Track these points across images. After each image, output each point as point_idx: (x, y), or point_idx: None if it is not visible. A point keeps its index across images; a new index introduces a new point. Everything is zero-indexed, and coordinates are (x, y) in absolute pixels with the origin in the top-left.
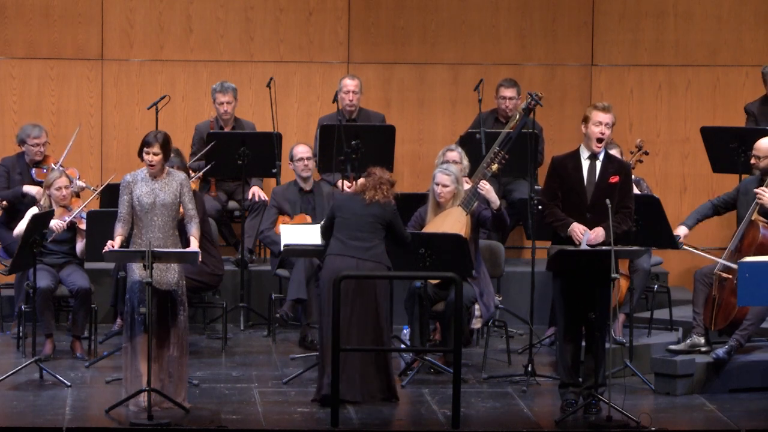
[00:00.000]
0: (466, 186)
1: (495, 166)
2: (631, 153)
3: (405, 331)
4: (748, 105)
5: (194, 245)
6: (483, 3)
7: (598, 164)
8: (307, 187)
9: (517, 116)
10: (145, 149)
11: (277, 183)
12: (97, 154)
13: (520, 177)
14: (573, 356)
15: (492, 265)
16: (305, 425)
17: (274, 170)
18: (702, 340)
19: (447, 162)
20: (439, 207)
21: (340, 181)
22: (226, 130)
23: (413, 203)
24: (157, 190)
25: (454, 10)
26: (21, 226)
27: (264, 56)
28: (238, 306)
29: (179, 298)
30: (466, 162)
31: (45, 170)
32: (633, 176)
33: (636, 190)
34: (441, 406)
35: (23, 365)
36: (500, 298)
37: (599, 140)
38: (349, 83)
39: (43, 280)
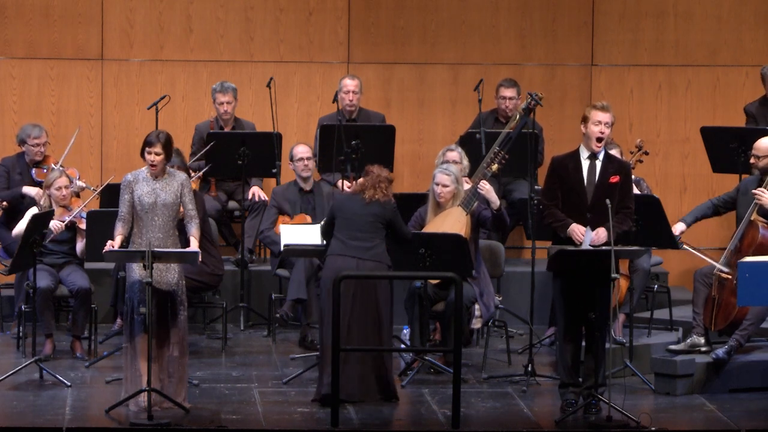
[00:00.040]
0: (466, 186)
1: (495, 166)
2: (631, 153)
3: (405, 331)
4: (747, 106)
5: (194, 245)
6: (483, 3)
7: (598, 164)
8: (307, 187)
9: (518, 116)
10: (147, 149)
11: (277, 183)
12: (97, 154)
13: (520, 177)
14: (573, 356)
15: (492, 265)
16: (305, 425)
17: (274, 170)
18: (702, 340)
19: (447, 162)
20: (439, 207)
21: (340, 181)
22: (226, 130)
23: (413, 203)
24: (158, 189)
25: (454, 10)
26: (20, 226)
27: (264, 56)
28: (238, 306)
29: (179, 298)
30: (466, 162)
31: (45, 170)
32: (633, 176)
33: (636, 190)
34: (441, 406)
35: (23, 365)
36: (500, 298)
37: (599, 139)
38: (349, 83)
39: (43, 280)
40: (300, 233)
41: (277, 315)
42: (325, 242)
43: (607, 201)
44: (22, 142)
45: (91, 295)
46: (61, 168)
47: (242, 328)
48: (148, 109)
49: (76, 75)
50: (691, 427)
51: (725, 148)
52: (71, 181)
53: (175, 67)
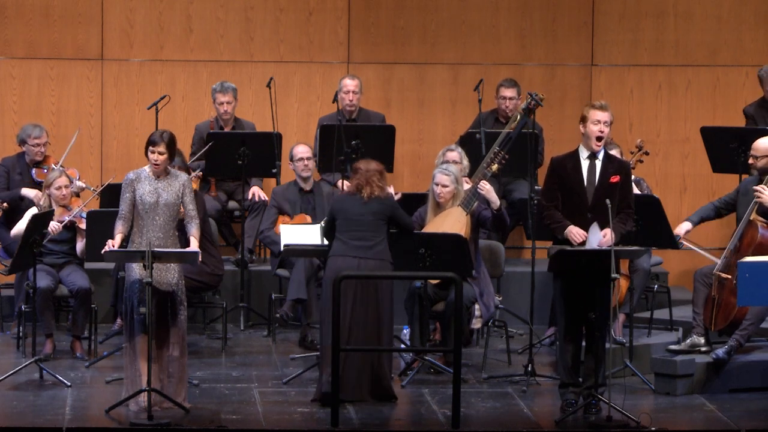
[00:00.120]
0: (466, 186)
1: (495, 166)
2: (632, 153)
3: (405, 331)
4: (746, 108)
5: (194, 245)
6: (483, 3)
7: (598, 164)
8: (307, 187)
9: (518, 116)
10: (151, 148)
11: (277, 183)
12: (97, 154)
13: (520, 177)
14: (573, 356)
15: (492, 265)
16: (305, 425)
17: (274, 170)
18: (702, 340)
19: (447, 162)
20: (439, 207)
21: (340, 181)
22: (226, 130)
23: (413, 203)
24: (160, 189)
25: (454, 10)
26: (19, 227)
27: (264, 56)
28: (238, 306)
29: (179, 298)
30: (466, 162)
31: (45, 170)
32: (633, 176)
33: (636, 190)
34: (441, 406)
35: (23, 365)
36: (500, 298)
37: (598, 139)
38: (349, 83)
39: (43, 280)
40: (300, 233)
41: (277, 315)
42: (327, 243)
43: (607, 201)
44: (22, 142)
45: (91, 295)
46: (61, 168)
47: (242, 328)
48: (148, 109)
49: (76, 75)
50: (691, 427)
51: (725, 148)
52: (71, 181)
53: (175, 67)
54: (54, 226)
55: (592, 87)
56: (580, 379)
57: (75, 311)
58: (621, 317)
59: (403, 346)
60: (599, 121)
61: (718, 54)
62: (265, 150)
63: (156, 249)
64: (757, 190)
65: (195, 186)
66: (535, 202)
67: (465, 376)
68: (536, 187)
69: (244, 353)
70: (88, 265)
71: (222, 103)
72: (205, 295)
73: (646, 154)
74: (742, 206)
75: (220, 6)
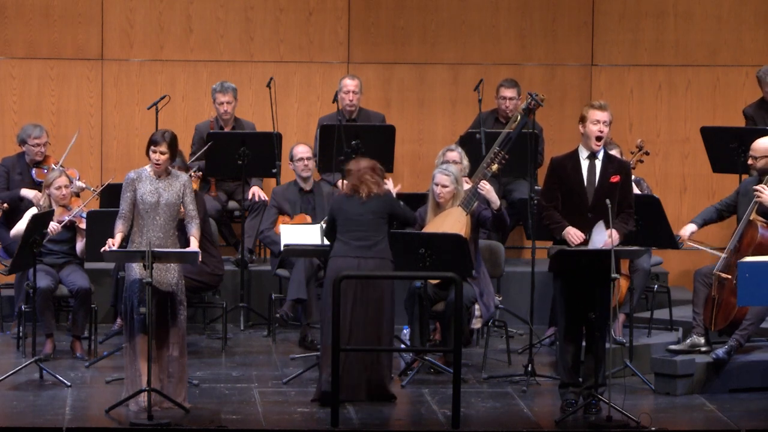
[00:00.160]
0: (466, 186)
1: (495, 167)
2: (632, 153)
3: (405, 331)
4: (745, 109)
5: (194, 245)
6: (483, 3)
7: (598, 164)
8: (307, 187)
9: (518, 117)
10: (152, 147)
11: (277, 183)
12: (97, 154)
13: (520, 177)
14: (573, 356)
15: (492, 265)
16: (305, 425)
17: (274, 170)
18: (702, 340)
19: (447, 162)
20: (439, 207)
21: (340, 181)
22: (226, 130)
23: (413, 203)
24: (161, 189)
25: (454, 10)
26: (19, 227)
27: (264, 56)
28: (238, 306)
29: (178, 298)
30: (466, 162)
31: (45, 170)
32: (633, 176)
33: (636, 190)
34: (441, 406)
35: (23, 365)
36: (500, 298)
37: (598, 138)
38: (349, 83)
39: (43, 280)
40: (300, 233)
41: (277, 315)
42: (328, 244)
43: (607, 201)
44: (22, 142)
45: (91, 295)
46: (61, 168)
47: (242, 328)
48: (148, 109)
49: (76, 75)
50: (691, 427)
51: (725, 148)
52: (71, 182)
53: (175, 67)
54: (53, 226)
55: (592, 87)
56: (580, 379)
57: (75, 311)
58: (621, 317)
59: (403, 346)
60: (598, 121)
61: (718, 54)
62: (265, 150)
63: (156, 249)
64: (757, 190)
65: (195, 186)
66: (535, 202)
67: (465, 376)
68: (536, 187)
69: (244, 353)
70: (88, 265)
71: (222, 103)
72: (205, 295)
73: (647, 154)
74: (742, 207)
75: (220, 6)
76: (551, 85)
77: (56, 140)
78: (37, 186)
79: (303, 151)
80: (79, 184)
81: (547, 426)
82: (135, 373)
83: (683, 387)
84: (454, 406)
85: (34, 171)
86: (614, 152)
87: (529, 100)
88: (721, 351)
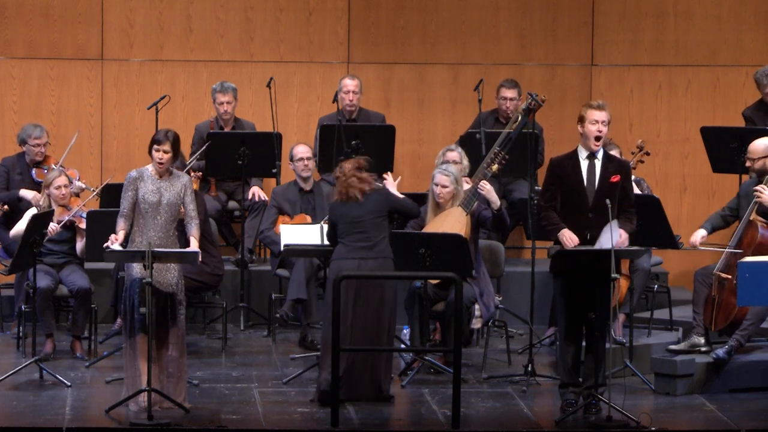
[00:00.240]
0: (466, 186)
1: (495, 167)
2: (632, 153)
3: (405, 331)
4: (744, 110)
5: (194, 245)
6: (483, 3)
7: (598, 164)
8: (307, 187)
9: (518, 117)
10: (155, 147)
11: (277, 183)
12: (97, 154)
13: (520, 177)
14: (573, 356)
15: (492, 265)
16: (305, 425)
17: (274, 170)
18: (702, 340)
19: (447, 162)
20: (439, 207)
21: None
22: (226, 130)
23: None
24: (162, 189)
25: (454, 10)
26: (18, 227)
27: (264, 56)
28: (238, 306)
29: (178, 298)
30: (466, 162)
31: (45, 171)
32: (633, 176)
33: (636, 190)
34: (441, 406)
35: (23, 365)
36: (500, 298)
37: (597, 138)
38: (349, 83)
39: (43, 280)
40: (300, 233)
41: (277, 315)
42: (328, 244)
43: (607, 201)
44: (22, 142)
45: (91, 295)
46: (61, 168)
47: (242, 328)
48: (148, 109)
49: (76, 75)
50: (691, 427)
51: (725, 148)
52: (71, 182)
53: (175, 67)
54: (52, 226)
55: (592, 87)
56: (580, 379)
57: (75, 311)
58: (621, 317)
59: (403, 346)
60: (597, 121)
61: (718, 54)
62: (265, 150)
63: (156, 249)
64: (757, 190)
65: (195, 186)
66: (535, 202)
67: (465, 376)
68: (536, 187)
69: (244, 353)
70: (88, 265)
71: (222, 103)
72: (205, 295)
73: (647, 154)
74: (743, 208)
75: (220, 6)
76: (551, 85)
77: (56, 140)
78: (37, 186)
79: (303, 151)
80: (79, 184)
81: (547, 426)
82: (135, 373)
83: (683, 387)
84: (454, 406)
85: (34, 171)
86: (614, 153)
87: (530, 101)
88: (721, 351)
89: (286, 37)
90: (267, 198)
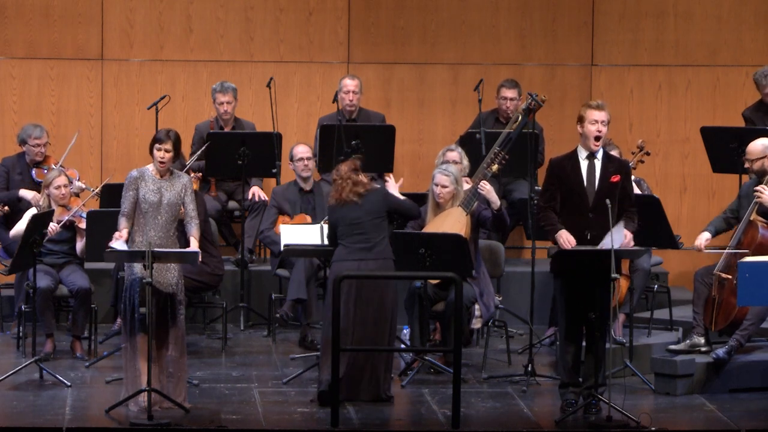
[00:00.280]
0: (466, 186)
1: (495, 167)
2: (633, 153)
3: (405, 331)
4: (744, 111)
5: (194, 245)
6: (483, 3)
7: (597, 164)
8: (307, 187)
9: (518, 117)
10: (157, 145)
11: (277, 183)
12: (97, 154)
13: (520, 177)
14: (574, 356)
15: (492, 265)
16: (305, 425)
17: (274, 170)
18: (702, 340)
19: (447, 162)
20: (439, 207)
21: None
22: (226, 130)
23: None
24: (163, 189)
25: (454, 10)
26: (18, 227)
27: (264, 56)
28: (238, 306)
29: (178, 298)
30: (466, 162)
31: (45, 171)
32: (633, 176)
33: (636, 190)
34: (441, 406)
35: (23, 365)
36: (500, 298)
37: (597, 138)
38: (349, 83)
39: (43, 280)
40: (300, 233)
41: (277, 315)
42: (328, 244)
43: (607, 201)
44: (23, 142)
45: (91, 295)
46: (61, 168)
47: (242, 328)
48: (148, 109)
49: (76, 75)
50: (691, 427)
51: (725, 148)
52: (70, 182)
53: (175, 67)
54: (52, 227)
55: (592, 87)
56: (580, 379)
57: (75, 311)
58: (621, 317)
59: (403, 346)
60: (596, 121)
61: (718, 54)
62: (265, 150)
63: (156, 249)
64: (757, 190)
65: (195, 186)
66: (535, 202)
67: (465, 376)
68: (536, 187)
69: (244, 353)
70: (88, 265)
71: (222, 103)
72: (205, 295)
73: (647, 154)
74: (743, 208)
75: (220, 6)
76: (551, 85)
77: (56, 140)
78: (37, 186)
79: (303, 151)
80: (79, 184)
81: (547, 426)
82: (135, 372)
83: (683, 387)
84: (454, 406)
85: (34, 171)
86: (614, 153)
87: (530, 101)
88: (721, 351)
89: (286, 37)
90: (267, 198)
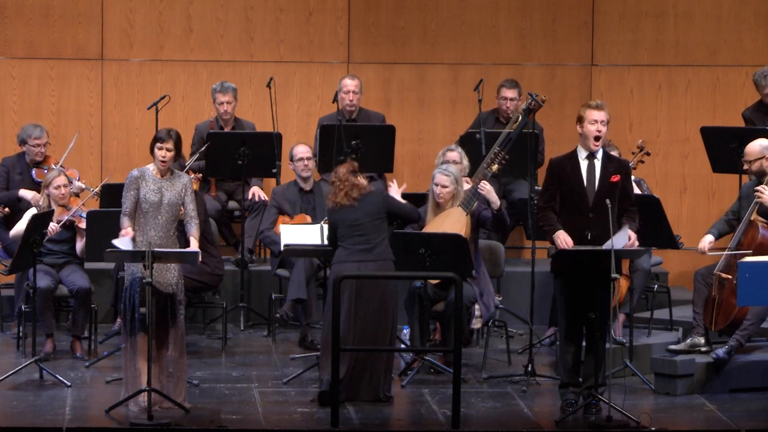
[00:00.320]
0: (466, 186)
1: (495, 167)
2: (633, 153)
3: (405, 331)
4: (743, 112)
5: (194, 245)
6: (483, 3)
7: (597, 164)
8: (307, 187)
9: (519, 117)
10: (158, 145)
11: (277, 183)
12: (97, 154)
13: (520, 177)
14: (574, 356)
15: (492, 265)
16: (305, 425)
17: (274, 170)
18: (702, 340)
19: (447, 162)
20: (439, 207)
21: None
22: (226, 130)
23: (413, 203)
24: (163, 188)
25: (454, 10)
26: (18, 227)
27: (264, 56)
28: (238, 306)
29: (178, 298)
30: (466, 162)
31: (45, 171)
32: (633, 177)
33: (636, 190)
34: (441, 406)
35: (23, 365)
36: (500, 298)
37: (596, 138)
38: (349, 83)
39: (43, 280)
40: (300, 233)
41: (277, 315)
42: (328, 244)
43: (607, 201)
44: (23, 142)
45: (91, 295)
46: (61, 168)
47: (242, 328)
48: (148, 109)
49: (76, 75)
50: (691, 427)
51: (725, 148)
52: (70, 182)
53: (175, 67)
54: (52, 227)
55: (592, 87)
56: (580, 379)
57: (75, 311)
58: (621, 317)
59: (403, 346)
60: (596, 121)
61: (718, 54)
62: (265, 150)
63: (156, 249)
64: (757, 191)
65: (195, 186)
66: (535, 202)
67: (465, 376)
68: (536, 187)
69: (244, 353)
70: (88, 265)
71: (222, 103)
72: (205, 295)
73: (648, 154)
74: (744, 209)
75: (220, 6)
76: (551, 85)
77: (56, 140)
78: (37, 186)
79: (303, 151)
80: (79, 184)
81: (547, 426)
82: (135, 372)
83: (683, 387)
84: (454, 406)
85: (34, 171)
86: (613, 154)
87: (530, 101)
88: (721, 351)
89: (286, 37)
90: (267, 198)
